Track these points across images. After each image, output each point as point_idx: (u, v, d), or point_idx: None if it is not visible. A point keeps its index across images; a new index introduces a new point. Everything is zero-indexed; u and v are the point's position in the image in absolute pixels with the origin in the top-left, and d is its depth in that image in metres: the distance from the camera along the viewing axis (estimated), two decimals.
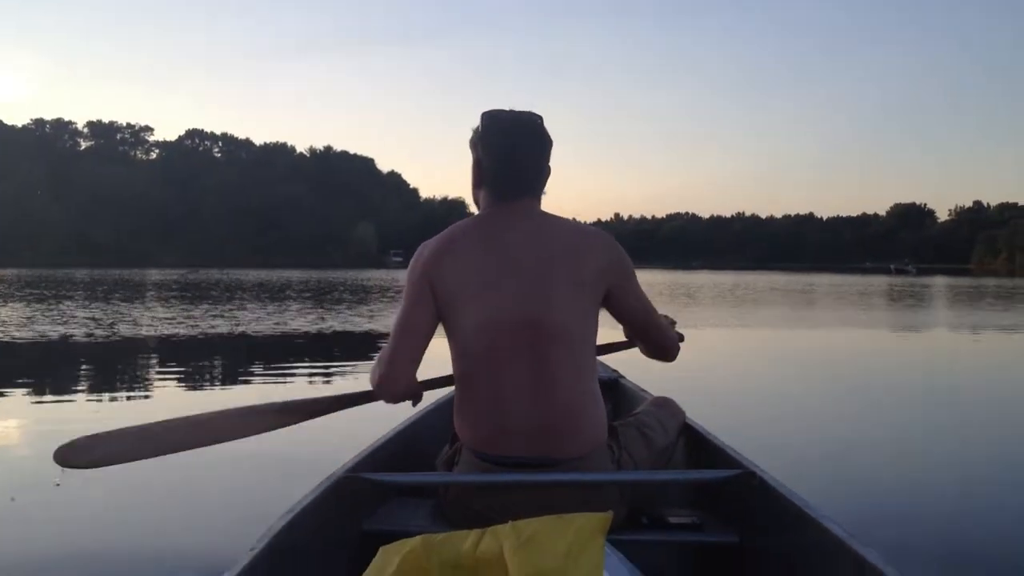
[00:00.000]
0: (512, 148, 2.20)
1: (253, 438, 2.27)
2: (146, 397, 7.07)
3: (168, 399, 6.75)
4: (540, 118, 2.27)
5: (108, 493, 3.83)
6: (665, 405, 2.65)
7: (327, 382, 7.77)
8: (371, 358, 9.96)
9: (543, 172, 2.26)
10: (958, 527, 3.66)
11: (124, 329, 12.64)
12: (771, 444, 4.72)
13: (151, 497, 3.86)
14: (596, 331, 2.21)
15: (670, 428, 2.54)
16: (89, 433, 2.04)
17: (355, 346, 11.50)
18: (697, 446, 2.67)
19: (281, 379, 7.90)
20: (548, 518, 1.30)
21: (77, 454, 2.01)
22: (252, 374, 8.35)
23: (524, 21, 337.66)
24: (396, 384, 2.21)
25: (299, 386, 7.47)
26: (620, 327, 2.41)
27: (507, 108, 2.26)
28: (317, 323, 14.53)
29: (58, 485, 3.14)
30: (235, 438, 2.26)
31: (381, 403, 2.28)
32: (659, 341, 2.40)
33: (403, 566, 1.30)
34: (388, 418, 2.80)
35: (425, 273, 2.16)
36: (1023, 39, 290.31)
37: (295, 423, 2.35)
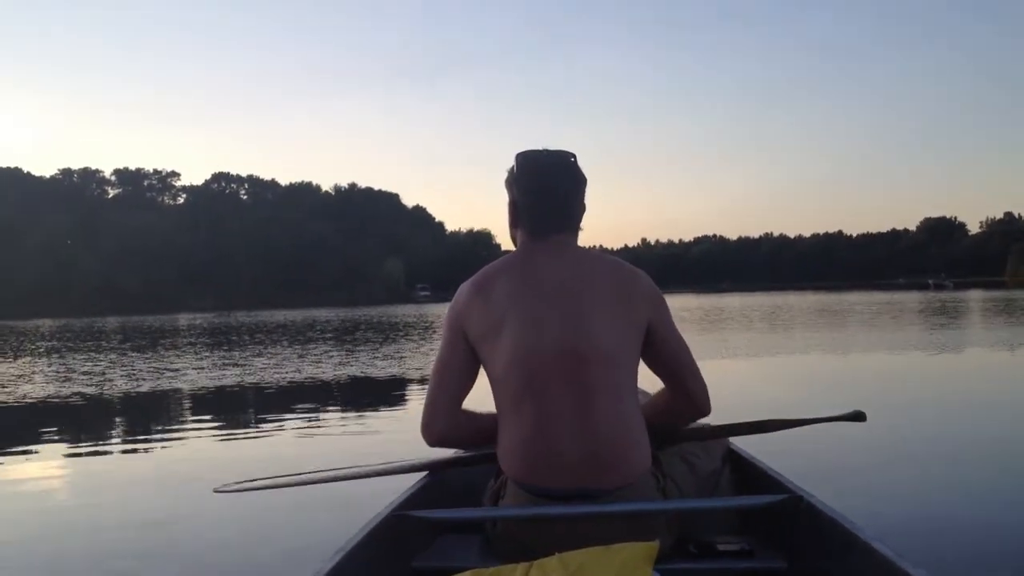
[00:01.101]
0: (546, 187, 2.24)
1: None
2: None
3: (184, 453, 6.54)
4: (573, 156, 2.30)
5: (165, 536, 4.13)
6: (706, 427, 2.57)
7: (349, 433, 7.40)
8: (399, 404, 9.63)
9: (578, 209, 2.29)
10: (1011, 542, 3.61)
11: (128, 384, 12.39)
12: (828, 468, 4.69)
13: (211, 542, 4.00)
14: (638, 360, 2.19)
15: (714, 454, 2.53)
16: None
17: (380, 391, 11.05)
18: (742, 471, 2.64)
19: (299, 434, 7.56)
20: (594, 549, 1.31)
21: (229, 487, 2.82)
22: (260, 429, 7.98)
23: (543, 52, 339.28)
24: (434, 429, 2.27)
25: (317, 443, 7.14)
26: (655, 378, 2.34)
27: (540, 147, 2.30)
28: (340, 368, 14.10)
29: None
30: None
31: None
32: (695, 387, 2.29)
33: None
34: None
35: (458, 315, 2.21)
36: None
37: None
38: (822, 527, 2.05)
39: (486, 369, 2.20)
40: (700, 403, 2.31)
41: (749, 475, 2.60)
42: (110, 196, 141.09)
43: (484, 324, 2.15)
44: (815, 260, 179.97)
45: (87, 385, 11.92)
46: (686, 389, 2.29)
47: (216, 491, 2.86)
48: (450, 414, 2.25)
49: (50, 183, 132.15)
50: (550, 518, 2.05)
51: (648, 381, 2.41)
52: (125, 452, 7.00)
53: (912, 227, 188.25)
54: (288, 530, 4.15)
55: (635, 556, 1.28)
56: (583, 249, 2.27)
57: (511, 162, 2.31)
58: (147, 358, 16.76)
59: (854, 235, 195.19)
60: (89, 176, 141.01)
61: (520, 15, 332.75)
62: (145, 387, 11.44)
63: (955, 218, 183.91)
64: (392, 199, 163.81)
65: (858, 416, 2.52)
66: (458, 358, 2.22)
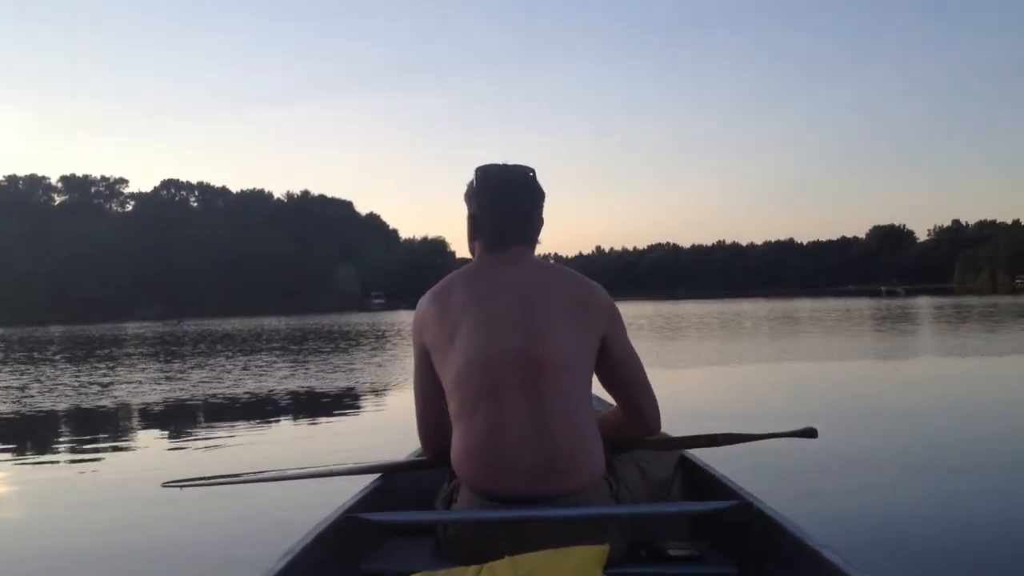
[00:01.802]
0: (505, 200, 2.27)
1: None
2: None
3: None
4: (532, 171, 2.33)
5: (111, 537, 4.12)
6: (661, 438, 2.57)
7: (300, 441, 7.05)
8: (351, 409, 9.33)
9: (536, 222, 2.33)
10: (955, 549, 3.67)
11: (51, 398, 11.78)
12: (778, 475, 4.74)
13: (155, 542, 3.99)
14: (592, 369, 2.21)
15: (667, 461, 2.54)
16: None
17: (333, 397, 10.65)
18: (695, 478, 2.65)
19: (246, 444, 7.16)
20: (545, 552, 1.32)
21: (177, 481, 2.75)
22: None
23: (497, 60, 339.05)
24: (430, 447, 2.39)
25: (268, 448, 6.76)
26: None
27: (499, 161, 2.34)
28: (292, 374, 13.71)
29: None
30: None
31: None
32: (646, 405, 2.34)
33: None
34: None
35: (417, 329, 2.27)
36: (1000, 60, 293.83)
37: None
38: (772, 533, 2.06)
39: (441, 377, 2.20)
40: (650, 421, 2.36)
41: (701, 482, 2.61)
42: (57, 203, 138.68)
43: (439, 333, 2.18)
44: (767, 267, 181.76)
45: (7, 401, 11.32)
46: (638, 407, 2.33)
47: (164, 485, 2.82)
48: (436, 427, 2.33)
49: None
50: (502, 522, 2.04)
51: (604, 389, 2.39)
52: (64, 461, 6.79)
53: (862, 235, 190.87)
54: (237, 529, 4.16)
55: (586, 560, 1.28)
56: (540, 260, 2.32)
57: (467, 170, 2.33)
58: (78, 371, 16.01)
59: (805, 243, 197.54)
60: (35, 183, 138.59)
61: (480, 25, 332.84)
62: (72, 401, 10.86)
63: (904, 226, 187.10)
64: (345, 206, 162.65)
65: (810, 433, 2.58)
66: (427, 372, 2.25)
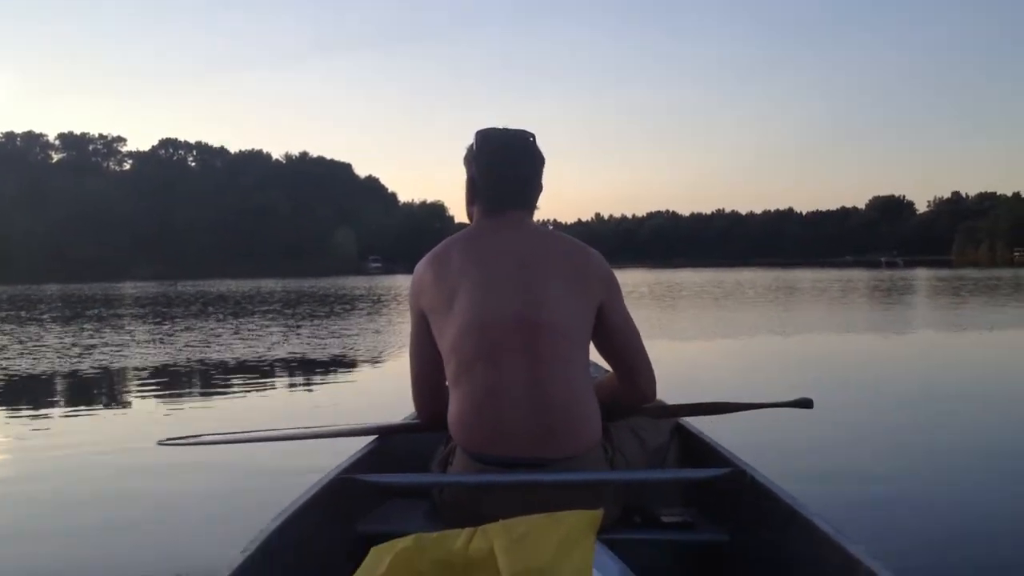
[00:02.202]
0: (504, 165, 2.26)
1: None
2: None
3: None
4: (532, 136, 2.32)
5: (105, 497, 4.10)
6: (657, 405, 2.57)
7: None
8: (350, 371, 9.41)
9: (535, 187, 2.32)
10: (945, 520, 3.73)
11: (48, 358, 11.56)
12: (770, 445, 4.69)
13: (149, 500, 3.98)
14: (590, 333, 2.20)
15: (663, 428, 2.57)
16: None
17: (331, 358, 10.51)
18: (689, 446, 2.68)
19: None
20: (539, 516, 1.32)
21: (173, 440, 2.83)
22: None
23: (499, 24, 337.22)
24: (423, 411, 2.39)
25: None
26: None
27: (499, 126, 2.32)
28: (292, 335, 13.46)
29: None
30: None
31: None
32: (642, 373, 2.34)
33: (394, 565, 1.30)
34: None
35: (415, 293, 2.26)
36: (1000, 32, 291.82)
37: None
38: (764, 501, 2.08)
39: (438, 340, 2.19)
40: (646, 390, 2.36)
41: (696, 450, 2.63)
42: (54, 161, 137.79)
43: (437, 296, 2.17)
44: (766, 237, 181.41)
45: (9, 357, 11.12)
46: (633, 375, 2.33)
47: (160, 443, 2.84)
48: (434, 393, 2.33)
49: None
50: (498, 485, 2.05)
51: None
52: (58, 420, 6.68)
53: (861, 205, 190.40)
54: (233, 488, 4.15)
55: (579, 524, 1.29)
56: (538, 226, 2.31)
57: (467, 135, 2.32)
58: (70, 331, 15.77)
59: (804, 212, 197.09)
60: (33, 140, 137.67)
61: None
62: (65, 361, 10.62)
63: (904, 197, 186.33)
64: (344, 169, 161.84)
65: (805, 403, 2.59)
66: (424, 336, 2.25)
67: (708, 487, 2.36)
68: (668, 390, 2.57)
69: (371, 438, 2.67)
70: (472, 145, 2.31)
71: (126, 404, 7.41)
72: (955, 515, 3.81)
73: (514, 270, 2.14)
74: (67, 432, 6.04)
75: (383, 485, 2.33)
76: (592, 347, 2.26)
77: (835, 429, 5.59)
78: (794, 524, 1.90)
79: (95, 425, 6.31)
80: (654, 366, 2.36)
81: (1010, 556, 3.33)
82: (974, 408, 6.75)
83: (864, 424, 6.00)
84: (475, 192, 2.31)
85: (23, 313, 22.42)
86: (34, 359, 10.98)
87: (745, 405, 2.73)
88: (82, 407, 7.28)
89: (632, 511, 2.26)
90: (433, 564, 1.30)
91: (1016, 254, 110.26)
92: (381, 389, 8.19)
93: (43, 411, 7.19)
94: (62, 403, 7.70)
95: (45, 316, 20.93)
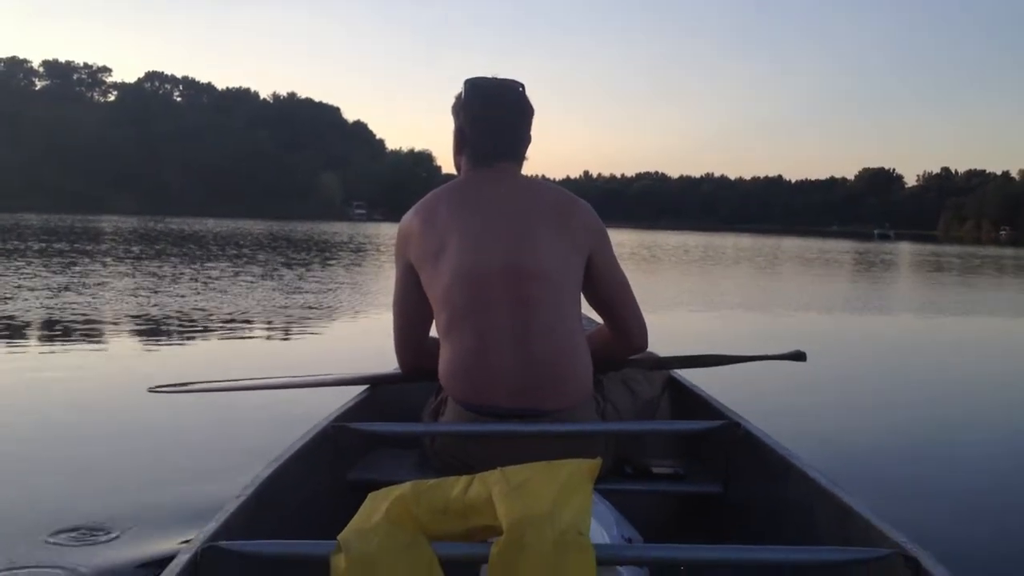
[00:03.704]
0: (493, 114, 2.24)
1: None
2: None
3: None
4: (522, 86, 2.29)
5: (96, 442, 3.99)
6: (650, 358, 2.58)
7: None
8: (340, 319, 9.26)
9: (524, 138, 2.30)
10: (937, 471, 3.89)
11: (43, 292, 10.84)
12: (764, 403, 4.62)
13: (141, 447, 3.90)
14: (580, 284, 2.19)
15: (655, 380, 2.54)
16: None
17: (320, 307, 9.98)
18: (682, 398, 2.69)
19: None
20: (537, 464, 1.35)
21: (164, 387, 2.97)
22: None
23: None
24: (404, 361, 2.38)
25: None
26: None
27: (489, 75, 2.28)
28: (271, 291, 12.73)
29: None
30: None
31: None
32: (633, 323, 2.33)
33: (391, 511, 1.32)
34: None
35: (401, 244, 2.24)
36: (1000, 8, 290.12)
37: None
38: (758, 453, 2.08)
39: (428, 292, 2.17)
40: (637, 339, 2.34)
41: (688, 403, 2.63)
42: (37, 88, 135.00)
43: (426, 247, 2.14)
44: (755, 203, 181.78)
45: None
46: (625, 325, 2.32)
47: (151, 390, 2.80)
48: (416, 345, 2.33)
49: None
50: (490, 435, 2.06)
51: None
52: (52, 355, 6.54)
53: (851, 176, 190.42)
54: (224, 436, 4.13)
55: (577, 472, 1.31)
56: (526, 177, 2.29)
57: (456, 84, 2.29)
58: (50, 267, 14.78)
59: (793, 180, 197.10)
60: (16, 66, 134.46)
61: None
62: (43, 301, 9.85)
63: (893, 170, 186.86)
64: (333, 112, 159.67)
65: (798, 356, 2.58)
66: (410, 288, 2.23)
67: (701, 439, 2.36)
68: (662, 342, 2.52)
69: (362, 387, 2.66)
70: (460, 94, 2.27)
71: (112, 348, 7.01)
72: (947, 467, 3.97)
73: (503, 220, 2.11)
74: (54, 375, 5.73)
75: (375, 434, 2.33)
76: (583, 300, 2.22)
77: (829, 382, 5.80)
78: (788, 475, 1.90)
79: (83, 370, 5.97)
80: (645, 319, 2.33)
81: (1000, 504, 3.42)
82: (967, 366, 7.18)
83: (857, 378, 6.23)
84: (463, 142, 2.27)
85: (18, 244, 21.26)
86: (13, 298, 10.18)
87: (738, 358, 2.73)
88: (71, 347, 6.86)
89: (623, 462, 2.24)
90: (430, 510, 1.31)
91: (1003, 232, 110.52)
92: (374, 337, 7.76)
93: (26, 350, 6.80)
94: (51, 343, 7.26)
95: (23, 248, 19.81)
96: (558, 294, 2.10)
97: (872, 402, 5.49)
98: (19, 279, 12.40)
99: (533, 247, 2.09)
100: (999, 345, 9.54)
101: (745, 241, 50.02)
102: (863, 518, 1.57)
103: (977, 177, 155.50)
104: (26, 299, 10.04)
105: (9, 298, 10.09)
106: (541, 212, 2.14)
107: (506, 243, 2.09)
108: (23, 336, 7.47)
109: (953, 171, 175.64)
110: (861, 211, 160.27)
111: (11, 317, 8.37)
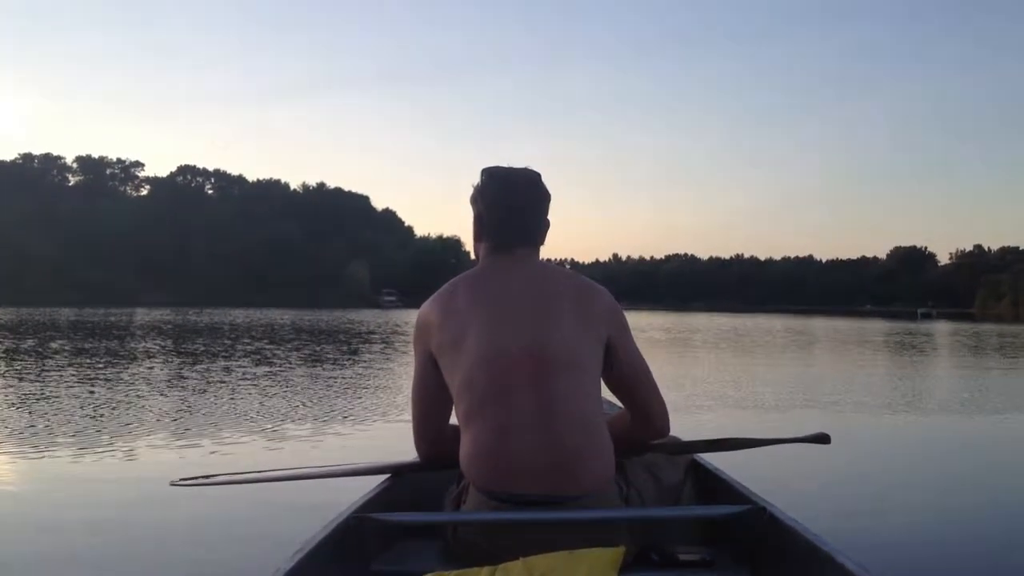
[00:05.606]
0: (511, 201, 2.28)
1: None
2: None
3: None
4: (538, 174, 2.34)
5: (117, 538, 3.93)
6: (673, 442, 2.54)
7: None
8: (363, 408, 9.00)
9: (541, 224, 2.34)
10: (965, 554, 3.80)
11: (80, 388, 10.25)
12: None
13: (164, 541, 3.85)
14: (600, 369, 2.17)
15: (678, 465, 2.52)
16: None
17: (347, 395, 9.30)
18: (706, 482, 2.64)
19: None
20: (560, 554, 1.36)
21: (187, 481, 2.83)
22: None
23: (521, 64, 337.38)
24: (423, 450, 2.37)
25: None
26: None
27: (505, 164, 2.34)
28: (304, 370, 12.18)
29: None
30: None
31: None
32: (654, 408, 2.32)
33: None
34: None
35: (420, 332, 2.22)
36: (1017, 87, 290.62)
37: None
38: (785, 538, 2.06)
39: (448, 379, 2.16)
40: (659, 424, 2.33)
41: (712, 486, 2.60)
42: (71, 184, 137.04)
43: (445, 335, 2.14)
44: (786, 283, 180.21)
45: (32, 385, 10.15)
46: (645, 408, 2.30)
47: (173, 484, 2.80)
48: (436, 433, 2.30)
49: (10, 167, 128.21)
50: (512, 524, 2.03)
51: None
52: (74, 452, 6.24)
53: (882, 255, 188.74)
54: (246, 529, 4.07)
55: (601, 561, 1.28)
56: (544, 262, 2.32)
57: (479, 175, 2.33)
58: (81, 360, 14.32)
59: (824, 260, 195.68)
60: (50, 162, 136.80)
61: (503, 25, 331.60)
62: (74, 394, 9.47)
63: (926, 248, 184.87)
64: (362, 200, 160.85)
65: (822, 438, 2.57)
66: (429, 376, 2.22)
67: (727, 524, 2.30)
68: (682, 428, 2.53)
69: (383, 477, 2.63)
70: (478, 183, 2.32)
71: (142, 439, 6.84)
72: (975, 549, 3.91)
73: (522, 306, 2.12)
74: (78, 468, 5.69)
75: (396, 524, 2.28)
76: (604, 385, 2.22)
77: (853, 465, 5.74)
78: (816, 561, 1.86)
79: (106, 463, 5.89)
80: (667, 403, 2.33)
81: None
82: (995, 446, 7.17)
83: (881, 460, 6.20)
84: (481, 229, 2.31)
85: (26, 341, 20.43)
86: (54, 389, 9.95)
87: (762, 441, 2.68)
88: (95, 441, 6.71)
89: (649, 550, 2.17)
90: None
91: None
92: (395, 426, 7.76)
93: (56, 443, 6.58)
94: (77, 437, 6.90)
95: (58, 344, 19.19)
96: (579, 379, 2.08)
97: (901, 480, 5.52)
98: (47, 374, 11.95)
99: (553, 332, 2.08)
100: None
101: (794, 323, 48.75)
102: None
103: (1012, 254, 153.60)
104: (55, 393, 9.64)
105: (33, 391, 9.69)
106: (560, 297, 2.14)
107: (526, 328, 2.08)
108: (50, 430, 7.16)
109: (986, 248, 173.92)
110: (895, 289, 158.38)
111: (37, 410, 8.02)
